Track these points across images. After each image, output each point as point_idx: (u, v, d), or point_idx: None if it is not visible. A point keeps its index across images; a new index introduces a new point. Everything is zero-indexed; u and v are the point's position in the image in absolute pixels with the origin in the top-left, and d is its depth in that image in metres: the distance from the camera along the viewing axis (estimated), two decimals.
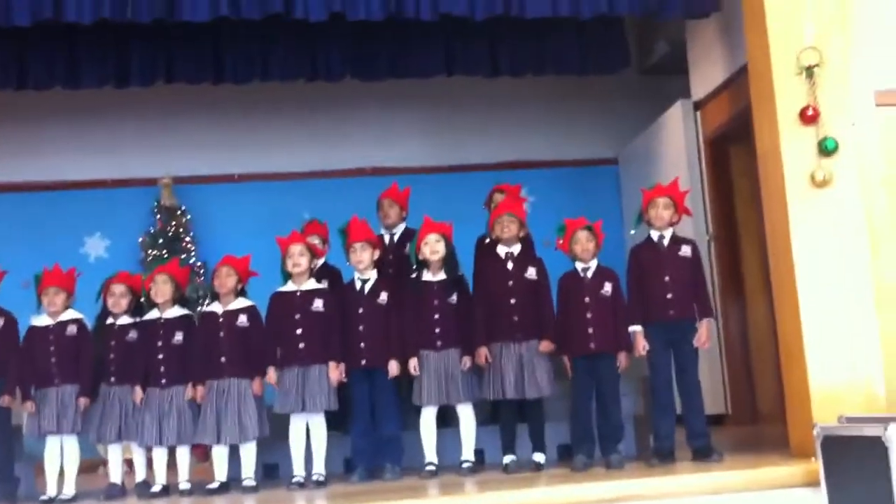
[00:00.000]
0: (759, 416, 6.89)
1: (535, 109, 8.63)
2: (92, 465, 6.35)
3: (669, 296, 5.05)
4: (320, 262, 5.60)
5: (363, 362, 5.10)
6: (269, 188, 8.31)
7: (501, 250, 5.21)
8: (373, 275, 5.23)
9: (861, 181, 5.05)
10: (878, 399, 4.82)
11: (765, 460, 4.81)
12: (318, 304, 5.16)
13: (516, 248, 5.22)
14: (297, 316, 5.12)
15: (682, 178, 6.58)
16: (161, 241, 7.91)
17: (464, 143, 8.53)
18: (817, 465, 4.32)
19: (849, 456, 4.19)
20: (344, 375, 5.09)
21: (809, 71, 5.03)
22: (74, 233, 8.11)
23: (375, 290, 5.20)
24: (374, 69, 7.68)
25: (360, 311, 5.16)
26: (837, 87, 5.06)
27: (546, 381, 5.04)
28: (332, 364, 5.05)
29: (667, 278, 5.07)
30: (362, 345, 5.11)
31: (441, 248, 5.15)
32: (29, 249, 7.39)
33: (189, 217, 8.10)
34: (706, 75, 7.14)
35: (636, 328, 5.07)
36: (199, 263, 7.81)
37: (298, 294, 5.18)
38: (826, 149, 5.00)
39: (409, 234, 5.64)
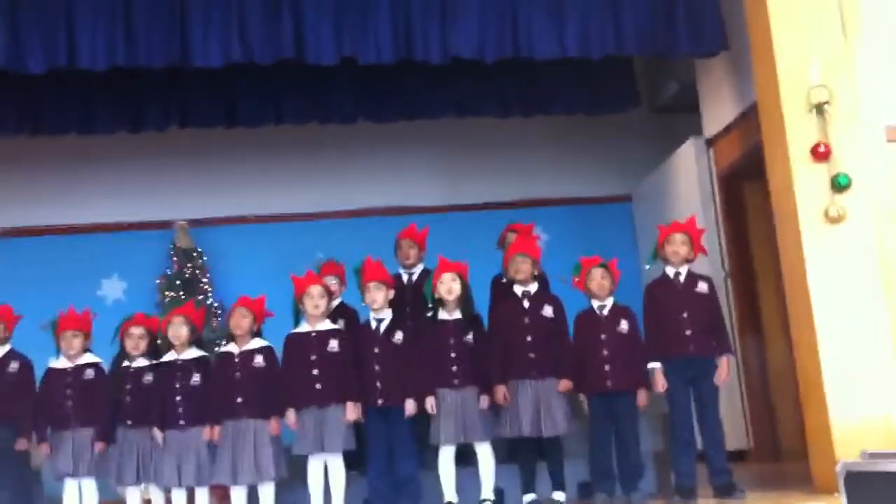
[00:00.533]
0: (781, 451, 6.84)
1: (547, 148, 8.68)
2: None
3: (688, 332, 5.05)
4: (336, 302, 5.62)
5: (379, 402, 5.10)
6: (283, 229, 8.36)
7: (518, 289, 5.23)
8: (388, 314, 5.24)
9: (874, 216, 5.06)
10: None
11: (788, 497, 4.79)
12: (333, 345, 5.16)
13: (533, 287, 5.23)
14: (313, 357, 5.13)
15: (696, 214, 6.57)
16: (178, 282, 7.95)
17: (477, 183, 8.58)
18: (841, 500, 4.28)
19: (872, 491, 4.15)
20: (361, 415, 5.09)
21: (820, 108, 5.07)
22: (92, 276, 8.17)
23: (390, 329, 5.21)
24: (386, 111, 7.78)
25: (376, 350, 5.16)
26: (848, 123, 5.10)
27: (562, 419, 5.02)
28: (349, 404, 5.05)
29: (685, 315, 5.07)
30: (378, 384, 5.11)
31: (457, 288, 5.16)
32: (46, 293, 7.40)
33: (205, 259, 8.15)
34: (717, 113, 7.19)
35: (655, 365, 5.05)
36: (215, 304, 7.84)
37: (314, 335, 5.19)
38: (839, 185, 5.03)
39: (426, 274, 5.67)
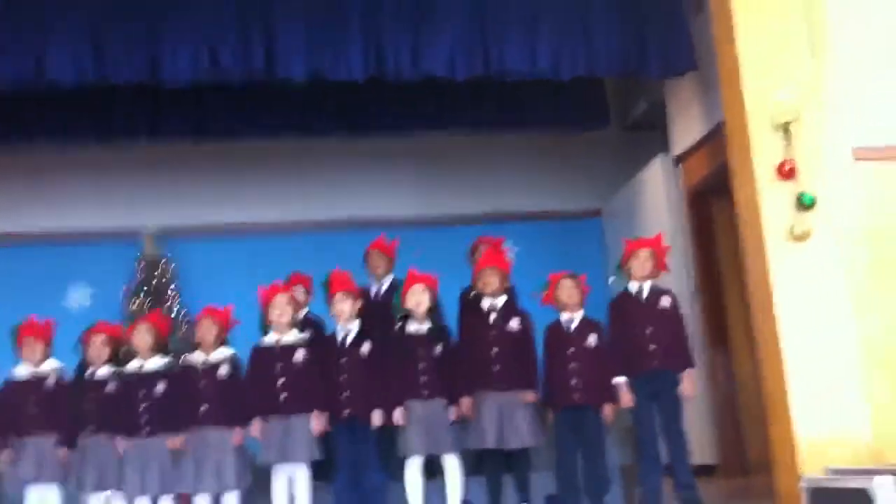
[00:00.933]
0: (749, 466, 6.86)
1: (518, 163, 8.70)
2: None
3: (652, 347, 5.08)
4: (302, 313, 5.59)
5: (346, 413, 5.07)
6: (254, 240, 8.31)
7: (485, 303, 5.23)
8: (355, 325, 5.23)
9: (841, 235, 5.12)
10: (863, 451, 4.82)
11: None
12: (298, 356, 5.14)
13: (501, 300, 5.23)
14: (279, 367, 5.10)
15: (664, 230, 6.64)
16: (145, 291, 7.87)
17: (448, 196, 8.58)
18: None
19: None
20: (327, 426, 5.05)
21: (786, 127, 5.13)
22: (58, 283, 8.08)
23: (357, 341, 5.20)
24: (358, 126, 7.78)
25: (342, 361, 5.14)
26: (814, 142, 5.16)
27: (528, 431, 5.02)
28: (314, 413, 5.02)
29: (648, 330, 5.10)
30: (344, 395, 5.08)
31: (426, 300, 5.16)
32: (11, 300, 7.31)
33: (173, 267, 8.08)
34: (685, 131, 7.25)
35: (620, 380, 5.07)
36: (182, 313, 7.77)
37: (280, 347, 5.16)
38: (804, 203, 5.08)
39: (396, 286, 5.66)
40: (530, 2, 6.09)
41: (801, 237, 5.07)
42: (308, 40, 5.89)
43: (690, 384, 5.09)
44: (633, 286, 5.22)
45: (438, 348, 5.16)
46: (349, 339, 5.20)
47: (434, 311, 5.20)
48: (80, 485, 5.11)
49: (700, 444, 6.75)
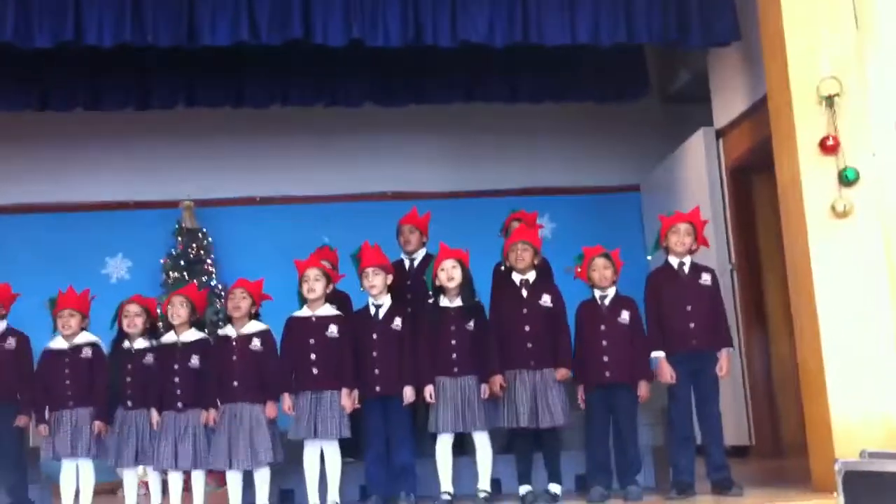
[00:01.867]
0: (783, 447, 6.79)
1: (556, 136, 8.61)
2: (112, 487, 6.36)
3: (692, 325, 5.00)
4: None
5: (377, 389, 5.06)
6: (289, 211, 8.34)
7: (517, 277, 5.17)
8: (386, 300, 5.20)
9: (884, 212, 4.99)
10: None
11: (785, 495, 4.75)
12: (332, 330, 5.13)
13: (531, 276, 5.17)
14: (312, 341, 5.10)
15: (704, 206, 6.54)
16: (182, 263, 7.93)
17: (484, 170, 8.53)
18: (839, 500, 4.23)
19: (870, 492, 4.11)
20: (357, 402, 5.06)
21: (830, 100, 5.00)
22: (97, 254, 8.17)
23: (389, 315, 5.17)
24: (394, 96, 7.72)
25: (374, 336, 5.12)
26: (858, 116, 5.02)
27: (560, 410, 4.97)
28: (344, 391, 5.02)
29: (688, 308, 5.02)
30: (376, 371, 5.07)
31: (457, 275, 5.11)
32: (51, 271, 7.44)
33: (210, 240, 8.13)
34: (728, 104, 7.10)
35: (660, 354, 5.00)
36: (219, 286, 7.82)
37: (314, 319, 5.16)
38: (847, 179, 4.96)
39: (428, 260, 5.62)
40: None
41: (843, 214, 4.95)
42: (345, 6, 5.86)
43: (727, 364, 5.01)
44: (673, 260, 5.13)
45: (470, 324, 5.12)
46: (381, 314, 5.18)
47: (466, 287, 5.15)
48: (116, 459, 5.16)
49: (735, 425, 6.69)
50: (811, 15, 5.13)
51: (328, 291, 5.23)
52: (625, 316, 5.07)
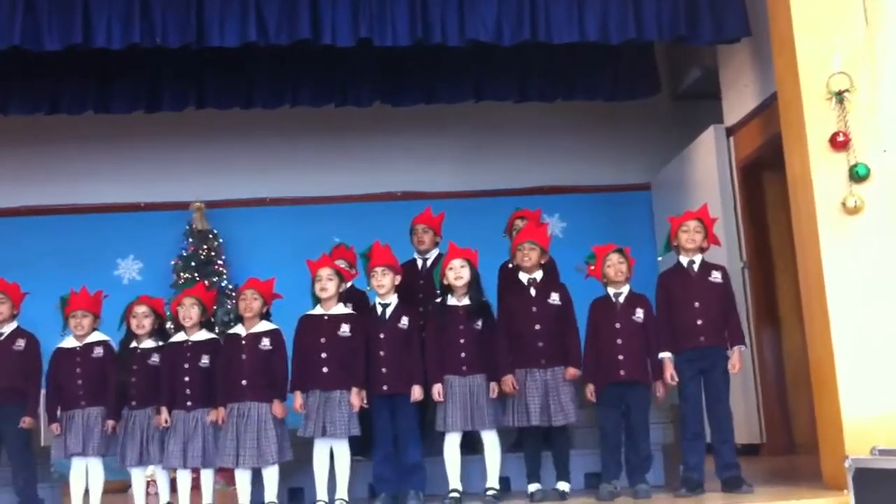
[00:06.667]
0: (794, 445, 6.77)
1: (566, 134, 8.60)
2: (122, 486, 6.37)
3: (700, 322, 4.98)
4: (348, 285, 5.58)
5: (385, 388, 5.07)
6: (300, 212, 8.37)
7: (524, 277, 5.17)
8: (394, 299, 5.20)
9: (893, 207, 4.96)
10: None
11: (796, 493, 4.72)
12: (344, 329, 5.13)
13: (539, 275, 5.17)
14: (323, 340, 5.10)
15: (715, 204, 6.52)
16: (193, 264, 7.97)
17: (493, 169, 8.53)
18: (849, 497, 4.22)
19: (881, 489, 4.10)
20: (366, 401, 5.06)
21: (840, 97, 4.97)
22: (108, 255, 8.23)
23: (397, 314, 5.17)
24: (403, 95, 7.72)
25: (382, 336, 5.12)
26: (868, 112, 4.99)
27: (572, 408, 4.97)
28: (353, 390, 5.02)
29: (697, 305, 5.00)
30: (384, 370, 5.07)
31: (466, 274, 5.11)
32: (63, 272, 7.49)
33: (221, 241, 8.16)
34: (738, 101, 7.07)
35: (666, 355, 4.99)
36: (230, 287, 7.85)
37: (326, 318, 5.17)
38: (857, 175, 4.93)
39: (441, 260, 5.62)
40: None
41: (854, 210, 4.92)
42: (353, 6, 5.87)
43: (739, 361, 4.99)
44: (683, 259, 5.12)
45: (478, 323, 5.12)
46: (388, 313, 5.18)
47: (474, 286, 5.15)
48: (124, 458, 5.18)
49: (746, 424, 6.67)
50: (821, 11, 5.11)
51: (342, 290, 5.24)
52: (639, 314, 5.06)
